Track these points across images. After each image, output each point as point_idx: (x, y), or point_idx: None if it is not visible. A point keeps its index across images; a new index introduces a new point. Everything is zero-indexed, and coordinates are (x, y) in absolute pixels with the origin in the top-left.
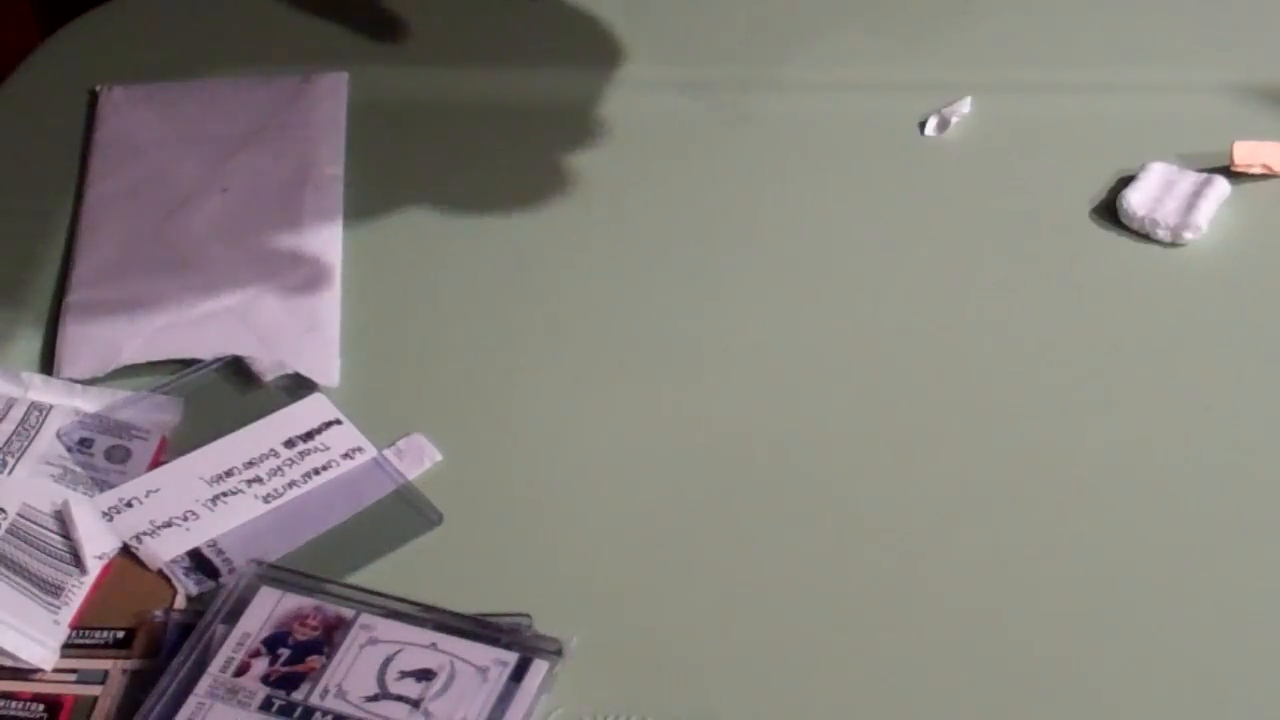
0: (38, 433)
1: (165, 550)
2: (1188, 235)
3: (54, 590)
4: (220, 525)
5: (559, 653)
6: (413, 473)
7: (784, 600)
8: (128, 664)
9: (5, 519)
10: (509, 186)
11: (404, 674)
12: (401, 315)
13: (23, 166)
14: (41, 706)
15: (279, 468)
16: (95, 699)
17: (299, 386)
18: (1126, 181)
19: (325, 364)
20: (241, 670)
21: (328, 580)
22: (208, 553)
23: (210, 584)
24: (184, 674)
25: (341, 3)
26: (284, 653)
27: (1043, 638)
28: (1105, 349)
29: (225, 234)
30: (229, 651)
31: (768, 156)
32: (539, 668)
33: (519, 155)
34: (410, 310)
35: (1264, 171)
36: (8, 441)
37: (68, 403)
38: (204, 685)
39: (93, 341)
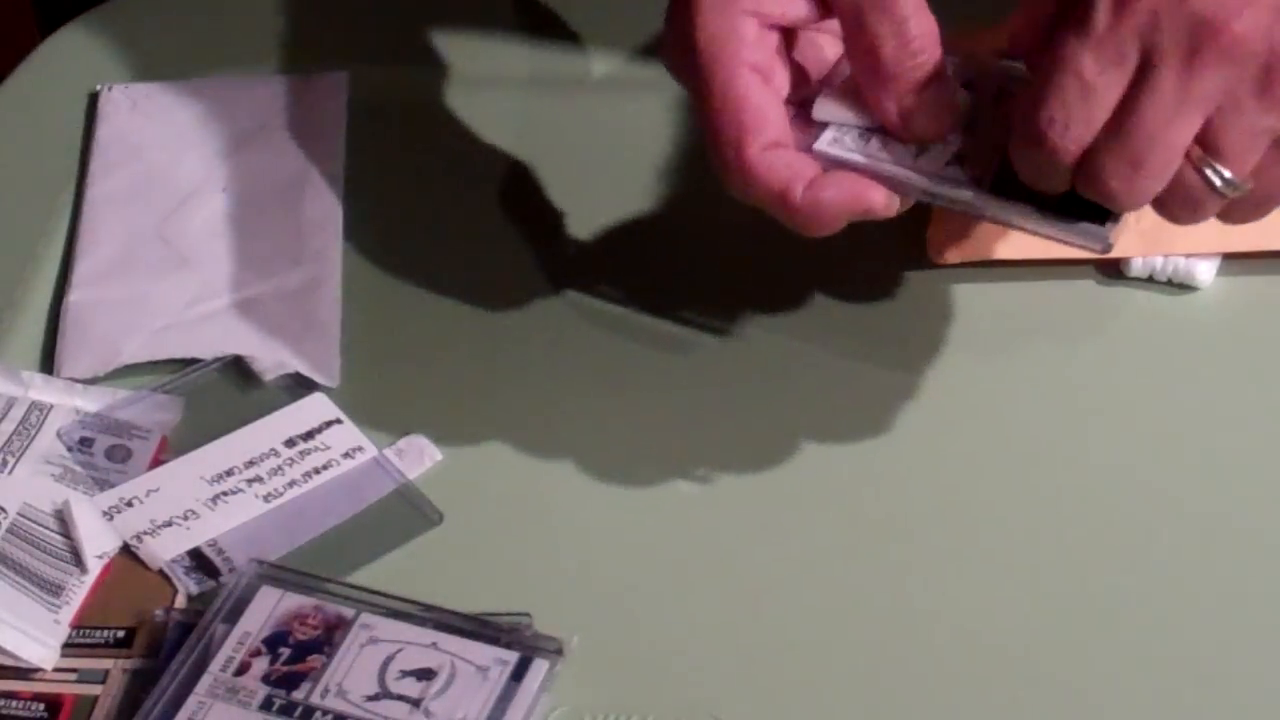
0: (38, 432)
1: (165, 549)
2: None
3: (54, 589)
4: (221, 524)
5: (559, 652)
6: (413, 473)
7: (785, 600)
8: (128, 663)
9: (6, 518)
10: (510, 186)
11: (404, 673)
12: (401, 315)
13: (23, 166)
14: (42, 706)
15: (279, 467)
16: (95, 698)
17: (299, 386)
18: None
19: (325, 364)
20: (242, 669)
21: (328, 580)
22: (208, 552)
23: (210, 583)
24: (184, 673)
25: (341, 3)
26: (284, 652)
27: (1045, 643)
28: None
29: (225, 234)
30: (229, 651)
31: None
32: (539, 667)
33: (520, 155)
34: (410, 310)
35: None
36: (8, 441)
37: (68, 402)
38: (204, 684)
39: (93, 341)
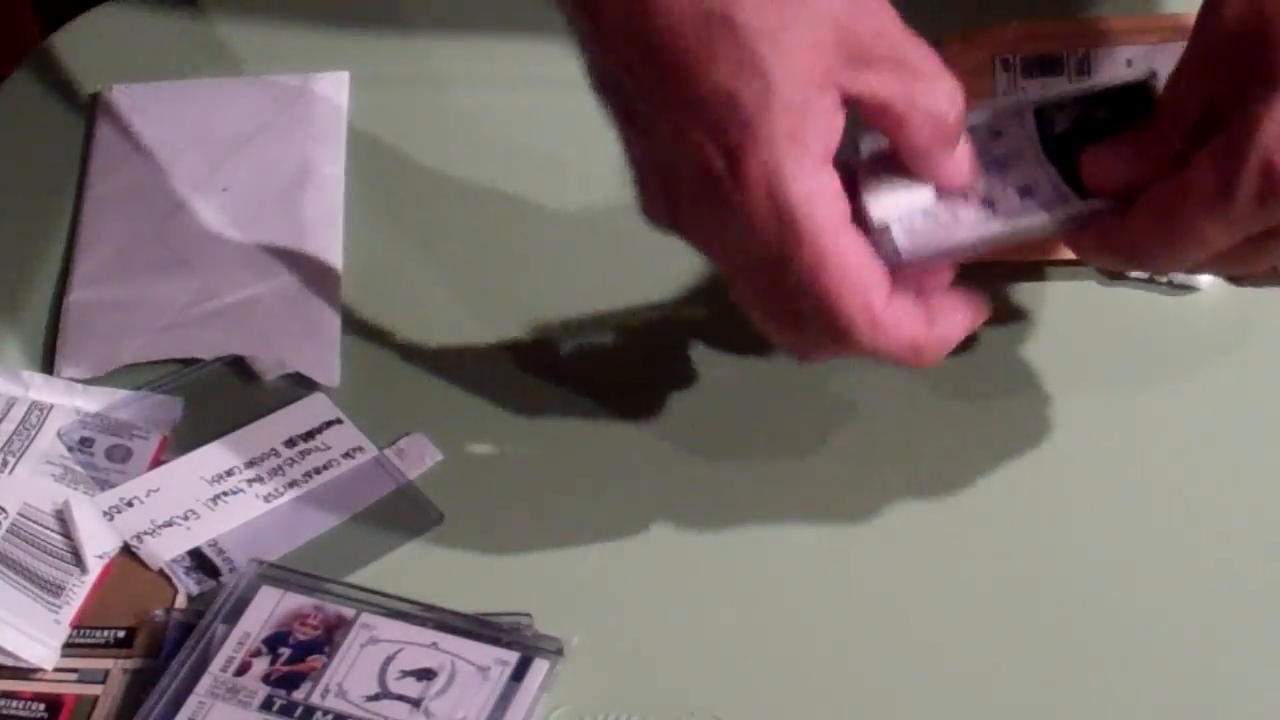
0: (38, 432)
1: (166, 549)
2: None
3: (55, 589)
4: (221, 524)
5: (559, 652)
6: (413, 472)
7: (785, 601)
8: (128, 663)
9: (6, 518)
10: (510, 186)
11: (405, 673)
12: (401, 315)
13: (23, 166)
14: (42, 706)
15: (279, 467)
16: (96, 698)
17: (299, 386)
18: None
19: (325, 364)
20: (242, 670)
21: (328, 580)
22: (208, 552)
23: (211, 583)
24: (185, 673)
25: (341, 3)
26: (285, 652)
27: (1043, 642)
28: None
29: (225, 234)
30: (229, 651)
31: None
32: (540, 667)
33: (520, 155)
34: (410, 310)
35: None
36: (8, 441)
37: (68, 402)
38: (205, 685)
39: (93, 341)
